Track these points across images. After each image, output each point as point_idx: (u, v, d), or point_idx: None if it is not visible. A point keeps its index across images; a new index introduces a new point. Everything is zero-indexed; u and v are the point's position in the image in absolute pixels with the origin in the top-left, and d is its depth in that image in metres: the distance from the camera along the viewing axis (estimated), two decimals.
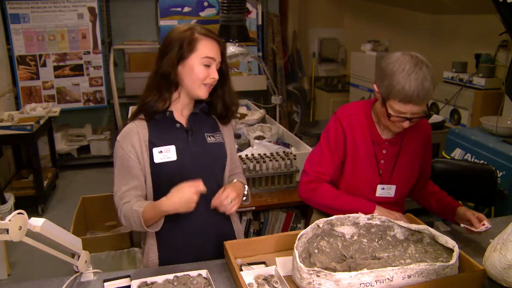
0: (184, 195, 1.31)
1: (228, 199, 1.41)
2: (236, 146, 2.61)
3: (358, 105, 1.71)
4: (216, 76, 1.46)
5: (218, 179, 1.57)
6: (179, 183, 1.36)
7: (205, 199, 1.52)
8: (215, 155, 1.55)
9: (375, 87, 1.56)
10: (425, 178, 1.81)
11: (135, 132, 1.46)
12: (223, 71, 1.51)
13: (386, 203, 1.69)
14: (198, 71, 1.43)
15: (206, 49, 1.43)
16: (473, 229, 1.54)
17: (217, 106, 1.56)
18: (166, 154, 1.46)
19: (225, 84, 1.54)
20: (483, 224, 1.53)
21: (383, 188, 1.69)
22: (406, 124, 1.52)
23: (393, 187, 1.69)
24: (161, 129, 1.49)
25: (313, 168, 1.71)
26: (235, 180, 1.57)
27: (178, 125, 1.50)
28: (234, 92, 1.58)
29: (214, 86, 1.51)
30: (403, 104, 1.47)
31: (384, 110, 1.53)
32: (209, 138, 1.54)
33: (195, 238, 1.54)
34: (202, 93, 1.47)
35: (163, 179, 1.47)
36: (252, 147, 2.60)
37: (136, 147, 1.45)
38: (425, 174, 1.80)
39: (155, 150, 1.46)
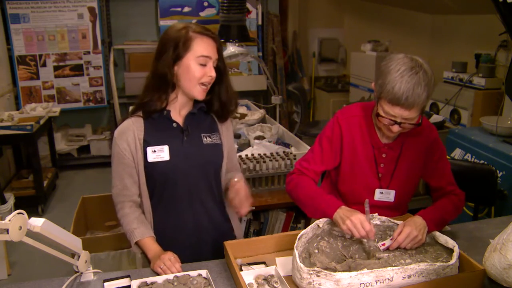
0: (156, 265, 1.37)
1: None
2: (236, 146, 2.61)
3: (359, 107, 1.68)
4: (213, 74, 1.44)
5: (210, 180, 1.55)
6: (171, 183, 1.47)
7: (198, 198, 1.52)
8: (210, 157, 1.53)
9: (373, 85, 1.54)
10: (443, 188, 1.66)
11: (130, 130, 1.47)
12: (220, 68, 1.49)
13: (386, 207, 1.67)
14: (194, 70, 1.42)
15: (201, 48, 1.42)
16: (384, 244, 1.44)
17: (214, 104, 1.55)
18: (160, 154, 1.47)
19: (222, 82, 1.52)
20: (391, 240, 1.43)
21: (382, 192, 1.66)
22: (395, 128, 1.47)
23: (392, 192, 1.66)
24: (157, 128, 1.49)
25: (301, 163, 1.69)
26: (235, 179, 1.52)
27: (174, 124, 1.50)
28: (233, 90, 1.56)
29: (212, 84, 1.49)
30: (391, 106, 1.42)
31: (376, 109, 1.51)
32: (205, 139, 1.53)
33: (190, 237, 1.54)
34: (198, 93, 1.46)
35: (156, 178, 1.49)
36: (252, 147, 2.60)
37: (131, 145, 1.47)
38: (439, 183, 1.66)
39: (149, 150, 1.46)
